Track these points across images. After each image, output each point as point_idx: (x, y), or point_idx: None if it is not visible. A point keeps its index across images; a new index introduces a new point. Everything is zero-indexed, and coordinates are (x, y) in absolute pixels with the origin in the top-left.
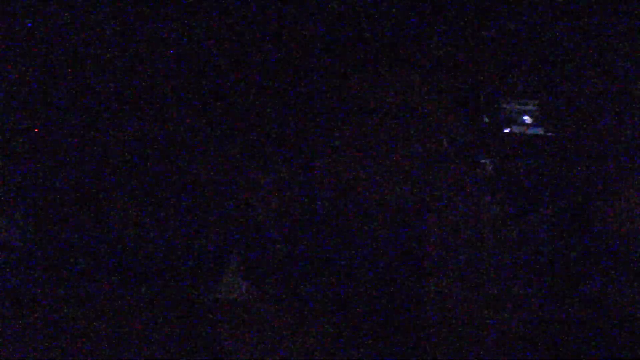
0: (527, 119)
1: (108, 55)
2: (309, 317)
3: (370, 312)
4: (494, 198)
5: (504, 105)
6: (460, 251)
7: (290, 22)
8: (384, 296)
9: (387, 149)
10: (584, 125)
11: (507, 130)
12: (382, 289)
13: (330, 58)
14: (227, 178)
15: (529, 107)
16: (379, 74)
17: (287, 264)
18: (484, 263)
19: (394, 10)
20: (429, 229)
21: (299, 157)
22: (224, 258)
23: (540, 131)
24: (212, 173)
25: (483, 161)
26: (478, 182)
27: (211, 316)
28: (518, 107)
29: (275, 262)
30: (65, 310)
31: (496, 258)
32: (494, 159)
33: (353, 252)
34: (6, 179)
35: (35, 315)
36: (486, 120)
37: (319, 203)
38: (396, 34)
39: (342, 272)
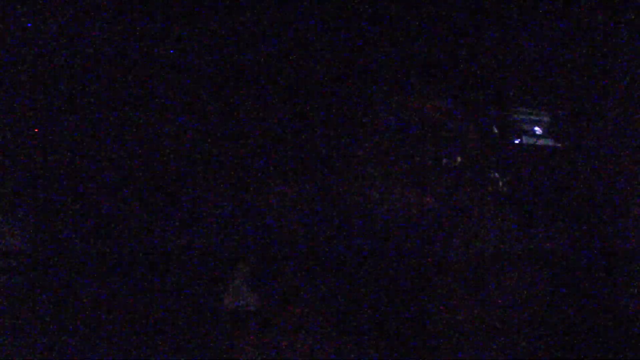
0: (537, 129)
1: (120, 59)
2: (315, 325)
3: (378, 322)
4: (505, 210)
5: (515, 116)
6: (470, 261)
7: (307, 38)
8: (393, 306)
9: (400, 161)
10: (595, 136)
11: (517, 141)
12: (391, 299)
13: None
14: (237, 189)
15: (540, 118)
16: (392, 90)
17: (295, 273)
18: (494, 272)
19: (406, 24)
20: (441, 240)
21: (308, 168)
22: (232, 267)
23: (550, 142)
24: (221, 184)
25: (493, 175)
26: (489, 194)
27: (219, 324)
28: (529, 118)
29: (283, 272)
30: (69, 316)
31: (507, 268)
32: (505, 172)
33: (363, 262)
34: (6, 179)
35: (37, 316)
36: (496, 131)
37: (329, 214)
38: (409, 49)
39: (351, 282)
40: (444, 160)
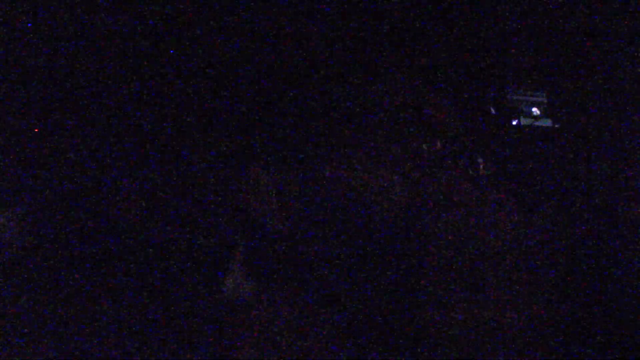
0: (535, 110)
1: (111, 54)
2: (312, 317)
3: (373, 311)
4: (497, 196)
5: (511, 97)
6: (464, 251)
7: (294, 23)
8: (386, 296)
9: (389, 147)
10: (595, 117)
11: (514, 123)
12: (385, 289)
13: (330, 58)
14: (231, 177)
15: (537, 99)
16: (379, 71)
17: (291, 264)
18: (488, 263)
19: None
20: (432, 229)
21: (301, 157)
22: (227, 258)
23: (549, 123)
24: (215, 171)
25: (480, 160)
26: (480, 180)
27: (214, 316)
28: (526, 98)
29: (280, 263)
30: (64, 310)
31: (502, 258)
32: (496, 157)
33: (356, 252)
34: (6, 178)
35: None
36: (493, 112)
37: (322, 203)
38: (396, 26)
39: (346, 272)
40: (428, 145)
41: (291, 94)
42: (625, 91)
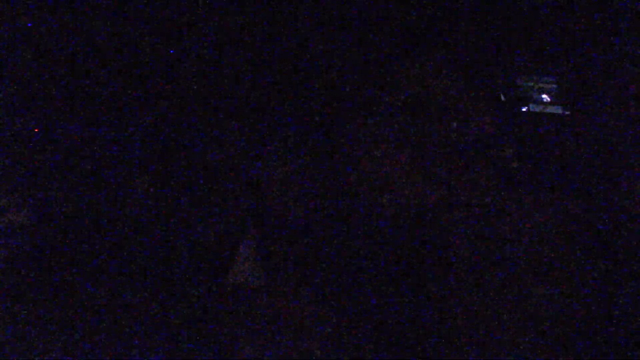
0: (545, 97)
1: (113, 50)
2: (322, 304)
3: (385, 301)
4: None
5: (521, 83)
6: (481, 247)
7: (307, 16)
8: (399, 288)
9: (405, 141)
10: (605, 103)
11: (524, 109)
12: (397, 281)
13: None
14: (243, 164)
15: (547, 85)
16: (393, 63)
17: (302, 250)
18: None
19: None
20: (448, 224)
21: (316, 146)
22: (238, 244)
23: (559, 110)
24: (227, 159)
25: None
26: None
27: (225, 301)
28: (535, 84)
29: (290, 249)
30: (69, 300)
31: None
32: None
33: (368, 241)
34: (7, 177)
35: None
36: (503, 98)
37: (336, 193)
38: (408, 15)
39: (357, 263)
40: (452, 135)
41: (308, 85)
42: (637, 77)
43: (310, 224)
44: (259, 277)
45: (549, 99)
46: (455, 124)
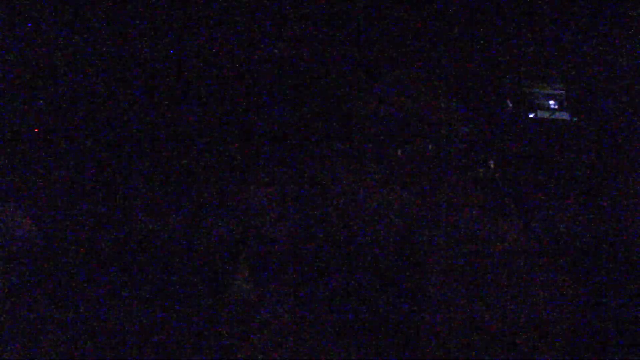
0: (552, 103)
1: (112, 55)
2: (314, 316)
3: (373, 312)
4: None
5: (529, 90)
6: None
7: (297, 28)
8: (387, 298)
9: (390, 150)
10: (611, 110)
11: (531, 116)
12: (385, 290)
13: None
14: (236, 182)
15: (555, 92)
16: (382, 69)
17: (294, 265)
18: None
19: None
20: (432, 231)
21: (303, 162)
22: (232, 259)
23: (566, 116)
24: (220, 177)
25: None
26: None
27: (219, 315)
28: (543, 91)
29: (282, 264)
30: (65, 310)
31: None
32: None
33: (357, 253)
34: (8, 176)
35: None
36: (510, 105)
37: (324, 208)
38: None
39: (347, 275)
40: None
41: (293, 98)
42: None
43: (300, 238)
44: (252, 292)
45: (556, 106)
46: (430, 145)
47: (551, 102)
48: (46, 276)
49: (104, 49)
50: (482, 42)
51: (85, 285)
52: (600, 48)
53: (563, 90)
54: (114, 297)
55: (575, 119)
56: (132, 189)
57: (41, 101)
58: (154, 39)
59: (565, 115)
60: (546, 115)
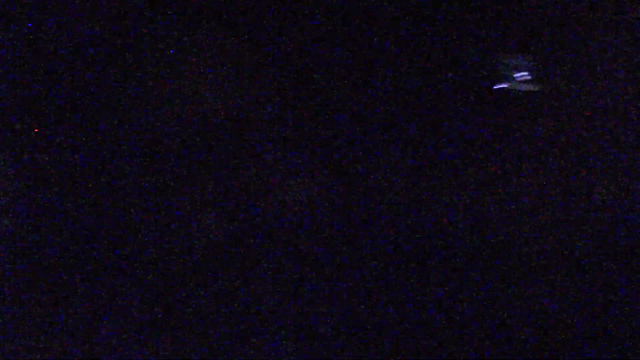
0: (520, 74)
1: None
2: (312, 317)
3: (375, 312)
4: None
5: (495, 61)
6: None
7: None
8: (388, 295)
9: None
10: (582, 81)
11: (498, 87)
12: (386, 287)
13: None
14: (231, 178)
15: (523, 62)
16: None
17: (291, 264)
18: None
19: None
20: (434, 226)
21: (301, 157)
22: (232, 259)
23: (534, 88)
24: (214, 173)
25: None
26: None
27: (219, 316)
28: (510, 62)
29: (279, 264)
30: (60, 309)
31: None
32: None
33: (358, 252)
34: (6, 177)
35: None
36: (477, 76)
37: (322, 202)
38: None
39: (347, 272)
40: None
41: (291, 93)
42: (617, 54)
43: (300, 233)
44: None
45: (525, 77)
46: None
47: (521, 74)
48: (45, 276)
49: (104, 48)
50: (442, 8)
51: (85, 285)
52: (571, 15)
53: (531, 61)
54: (114, 297)
55: (544, 90)
56: (131, 187)
57: (41, 101)
58: (154, 39)
59: (534, 87)
60: (514, 87)
